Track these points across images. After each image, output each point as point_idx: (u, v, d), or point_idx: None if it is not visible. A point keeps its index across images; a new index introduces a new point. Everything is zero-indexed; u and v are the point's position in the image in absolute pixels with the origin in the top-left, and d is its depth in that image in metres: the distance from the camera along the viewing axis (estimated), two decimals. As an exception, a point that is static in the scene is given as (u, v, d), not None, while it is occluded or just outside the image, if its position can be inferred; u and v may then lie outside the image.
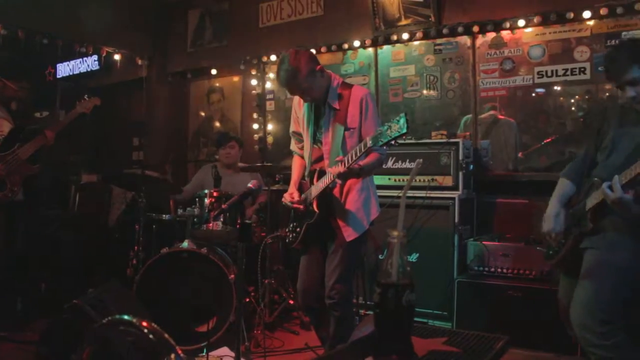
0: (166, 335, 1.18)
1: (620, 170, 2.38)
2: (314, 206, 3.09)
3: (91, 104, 4.80)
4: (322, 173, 3.08)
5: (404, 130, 2.47)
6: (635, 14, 4.17)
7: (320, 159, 3.16)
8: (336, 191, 3.09)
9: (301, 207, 3.16)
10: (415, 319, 4.61)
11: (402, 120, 2.47)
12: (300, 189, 3.27)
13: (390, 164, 4.59)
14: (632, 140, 2.54)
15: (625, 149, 2.55)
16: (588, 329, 2.43)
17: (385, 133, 2.53)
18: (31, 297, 4.82)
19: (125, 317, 1.25)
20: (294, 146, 3.47)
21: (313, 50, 5.52)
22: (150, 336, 1.17)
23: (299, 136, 3.38)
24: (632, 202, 2.31)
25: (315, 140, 3.19)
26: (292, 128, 3.42)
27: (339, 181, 2.90)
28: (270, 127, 6.28)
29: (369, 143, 2.64)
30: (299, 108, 3.30)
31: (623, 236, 2.50)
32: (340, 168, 2.78)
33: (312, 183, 3.15)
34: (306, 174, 3.26)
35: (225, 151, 5.31)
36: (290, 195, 3.23)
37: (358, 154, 2.74)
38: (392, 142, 2.54)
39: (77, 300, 3.32)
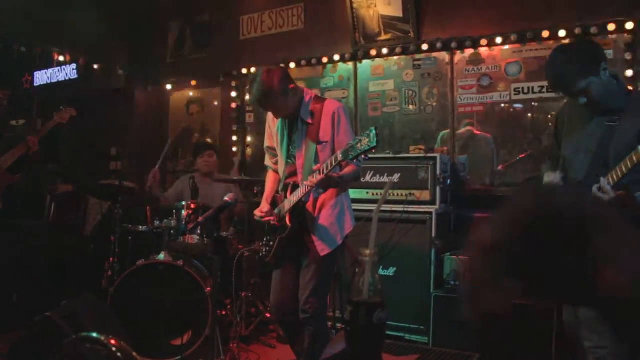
0: (134, 354, 1.17)
1: (592, 169, 2.50)
2: (287, 220, 3.09)
3: (67, 114, 4.78)
4: (295, 187, 3.08)
5: (374, 144, 2.49)
6: (608, 34, 4.27)
7: (294, 174, 3.15)
8: (309, 205, 3.09)
9: (272, 219, 3.16)
10: (392, 333, 4.60)
11: (372, 134, 2.49)
12: (274, 203, 3.26)
13: (368, 177, 4.60)
14: (593, 138, 2.60)
15: (590, 147, 2.61)
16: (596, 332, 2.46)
17: (355, 147, 2.57)
18: (2, 308, 4.73)
19: (94, 334, 1.23)
20: (268, 161, 3.46)
21: (293, 64, 5.57)
22: (118, 354, 1.16)
23: (273, 151, 3.37)
24: (626, 200, 2.35)
25: (289, 155, 3.19)
26: (266, 143, 3.41)
27: (316, 189, 2.90)
28: (249, 139, 6.28)
29: (340, 157, 2.67)
30: (273, 124, 3.30)
31: None
32: (319, 176, 2.79)
33: (285, 197, 3.14)
34: (280, 188, 3.26)
35: (204, 159, 5.28)
36: (260, 210, 3.21)
37: (329, 168, 2.76)
38: (362, 156, 2.57)
39: (49, 312, 3.26)
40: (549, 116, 4.61)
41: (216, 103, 6.56)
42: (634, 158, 2.27)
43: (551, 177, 2.78)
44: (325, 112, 3.08)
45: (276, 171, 3.38)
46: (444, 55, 5.02)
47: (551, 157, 2.99)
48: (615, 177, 2.37)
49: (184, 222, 4.41)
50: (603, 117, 2.58)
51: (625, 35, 4.24)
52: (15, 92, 5.13)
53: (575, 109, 2.73)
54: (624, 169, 2.33)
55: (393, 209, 4.32)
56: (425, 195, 4.41)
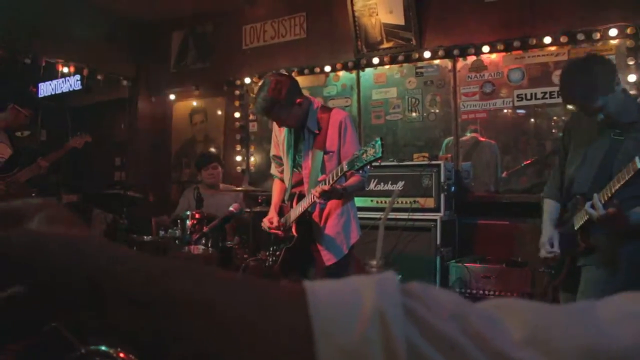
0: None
1: (597, 182, 2.49)
2: (293, 230, 3.08)
3: (83, 140, 4.91)
4: (301, 196, 3.08)
5: (379, 155, 2.50)
6: (610, 39, 4.27)
7: (300, 183, 3.16)
8: (315, 215, 3.09)
9: (279, 232, 3.15)
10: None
11: (378, 145, 2.50)
12: (281, 212, 3.26)
13: (372, 185, 4.60)
14: (599, 151, 2.61)
15: (595, 160, 2.62)
16: None
17: (360, 157, 2.57)
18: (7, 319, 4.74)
19: (102, 347, 1.23)
20: (274, 170, 3.46)
21: (295, 73, 5.58)
22: (127, 367, 1.16)
23: (279, 160, 3.37)
24: (616, 218, 2.36)
25: (296, 164, 3.19)
26: (272, 152, 3.42)
27: (320, 201, 2.91)
28: (253, 148, 6.28)
29: (345, 167, 2.67)
30: (279, 132, 3.30)
31: (615, 250, 2.55)
32: (325, 187, 2.79)
33: (291, 207, 3.14)
34: (286, 197, 3.26)
35: (208, 172, 5.28)
36: (269, 220, 3.21)
37: (335, 178, 2.76)
38: (368, 167, 2.58)
39: (55, 323, 3.25)
40: (552, 122, 4.62)
41: (220, 112, 6.57)
42: (625, 175, 2.30)
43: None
44: (331, 121, 3.08)
45: (282, 180, 3.38)
46: (447, 63, 5.02)
47: (553, 176, 2.96)
48: (607, 194, 2.38)
49: (188, 232, 4.40)
50: (611, 129, 2.59)
51: (627, 40, 4.24)
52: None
53: (584, 121, 2.73)
54: (616, 186, 2.35)
55: (398, 216, 4.31)
56: (430, 202, 4.41)
